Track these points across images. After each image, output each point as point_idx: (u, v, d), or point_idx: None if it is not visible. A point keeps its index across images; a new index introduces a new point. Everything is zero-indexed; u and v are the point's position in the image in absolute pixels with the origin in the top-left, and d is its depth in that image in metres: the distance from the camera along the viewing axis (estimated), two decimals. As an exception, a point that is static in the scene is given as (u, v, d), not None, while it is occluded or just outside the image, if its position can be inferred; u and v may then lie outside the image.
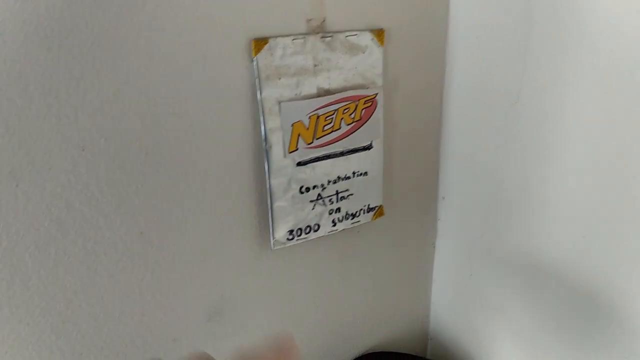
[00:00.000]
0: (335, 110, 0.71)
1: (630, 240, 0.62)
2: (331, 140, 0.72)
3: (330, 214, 0.77)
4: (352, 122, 0.73)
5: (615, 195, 0.63)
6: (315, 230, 0.77)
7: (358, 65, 0.72)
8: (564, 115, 0.66)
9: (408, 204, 0.89)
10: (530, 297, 0.79)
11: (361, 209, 0.80)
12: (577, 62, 0.63)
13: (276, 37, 0.64)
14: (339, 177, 0.76)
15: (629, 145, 0.59)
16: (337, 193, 0.76)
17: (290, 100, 0.67)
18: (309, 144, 0.70)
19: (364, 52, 0.71)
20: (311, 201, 0.74)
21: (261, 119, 0.66)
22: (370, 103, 0.74)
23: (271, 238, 0.73)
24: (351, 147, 0.75)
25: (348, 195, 0.78)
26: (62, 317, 0.63)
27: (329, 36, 0.68)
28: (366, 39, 0.71)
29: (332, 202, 0.76)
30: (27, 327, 0.60)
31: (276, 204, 0.71)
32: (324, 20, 0.67)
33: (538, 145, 0.71)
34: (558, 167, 0.69)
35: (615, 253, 0.64)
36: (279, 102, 0.66)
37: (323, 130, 0.71)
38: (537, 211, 0.74)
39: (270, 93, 0.65)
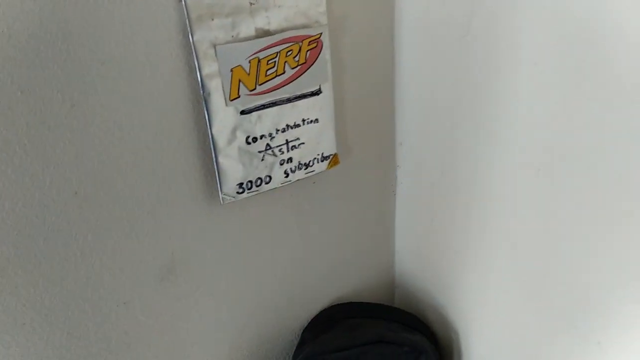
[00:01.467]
0: (278, 52, 0.67)
1: (584, 171, 0.61)
2: (276, 85, 0.68)
3: (281, 164, 0.74)
4: (297, 66, 0.69)
5: (568, 126, 0.61)
6: (267, 182, 0.74)
7: (299, 3, 0.67)
8: (515, 46, 0.63)
9: (365, 151, 0.86)
10: (491, 237, 0.78)
11: (315, 158, 0.77)
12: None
13: (205, -28, 0.59)
14: (287, 126, 0.72)
15: (582, 74, 0.57)
16: (287, 142, 0.73)
17: (227, 42, 0.63)
18: (251, 90, 0.67)
19: (304, -11, 0.67)
20: (259, 152, 0.71)
21: (196, 64, 0.62)
22: (315, 44, 0.70)
23: (219, 192, 0.70)
24: (298, 93, 0.71)
25: (299, 145, 0.75)
26: (0, 290, 0.59)
27: (265, -29, 0.63)
28: (306, -27, 0.66)
29: (283, 152, 0.73)
30: (-42, 298, 0.57)
31: (221, 157, 0.68)
32: (257, -47, 0.62)
33: (490, 79, 0.68)
34: (510, 99, 0.67)
35: (570, 186, 0.63)
36: (214, 45, 0.62)
37: (266, 75, 0.67)
38: (493, 147, 0.72)
39: (203, 35, 0.61)
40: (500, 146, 0.71)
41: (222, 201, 0.71)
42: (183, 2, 0.59)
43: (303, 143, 0.75)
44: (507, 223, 0.74)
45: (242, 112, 0.67)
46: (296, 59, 0.69)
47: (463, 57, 0.71)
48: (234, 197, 0.71)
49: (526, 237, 0.72)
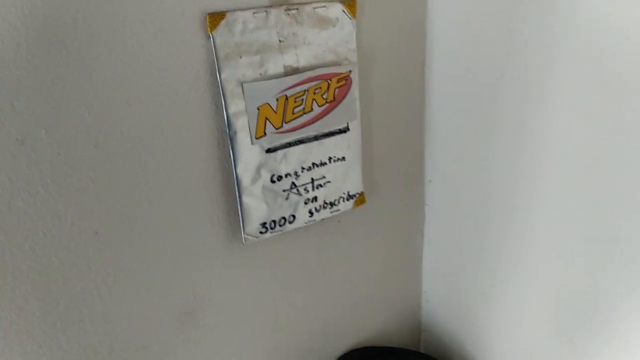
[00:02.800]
0: (306, 90, 0.65)
1: (618, 218, 0.57)
2: (303, 123, 0.67)
3: (306, 203, 0.71)
4: (325, 103, 0.67)
5: (603, 174, 0.58)
6: (291, 222, 0.71)
7: (329, 40, 0.66)
8: (549, 92, 0.61)
9: (392, 189, 0.83)
10: (523, 280, 0.74)
11: (340, 197, 0.75)
12: (564, 32, 0.57)
13: (234, 10, 0.58)
14: (313, 164, 0.70)
15: (615, 119, 0.55)
16: (312, 181, 0.71)
17: (255, 80, 0.61)
18: (278, 128, 0.65)
19: (334, 26, 0.65)
20: (284, 190, 0.69)
21: (223, 102, 0.60)
22: (344, 81, 0.68)
23: (242, 232, 0.67)
24: (326, 131, 0.69)
25: (325, 183, 0.72)
26: (15, 327, 0.57)
27: (295, 8, 0.62)
28: (336, 10, 0.65)
29: (308, 191, 0.71)
30: (-27, 341, 0.55)
31: (245, 195, 0.65)
32: (287, -9, 0.62)
33: (524, 122, 0.65)
34: (545, 144, 0.64)
35: (605, 233, 0.59)
36: (242, 83, 0.61)
37: (293, 113, 0.65)
38: (526, 190, 0.69)
39: (231, 73, 0.60)
40: (535, 189, 0.68)
41: (244, 242, 0.68)
42: (211, 40, 0.58)
43: (329, 182, 0.72)
44: (541, 269, 0.70)
45: (268, 151, 0.65)
46: (324, 96, 0.67)
47: (496, 99, 0.68)
48: (256, 238, 0.69)
49: (562, 284, 0.68)
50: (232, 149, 0.63)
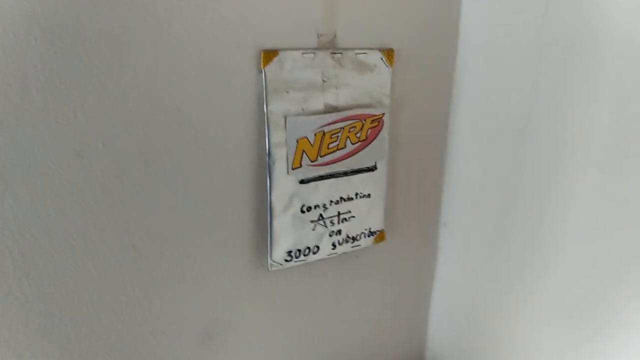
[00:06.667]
0: (342, 128, 0.69)
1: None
2: (336, 158, 0.70)
3: (330, 235, 0.74)
4: (357, 142, 0.71)
5: (629, 230, 0.61)
6: (315, 253, 0.74)
7: (366, 84, 0.70)
8: (575, 141, 0.65)
9: (408, 229, 0.86)
10: (540, 337, 0.76)
11: (362, 233, 0.78)
12: (589, 86, 0.62)
13: (286, 49, 0.63)
14: (341, 198, 0.73)
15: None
16: (338, 214, 0.74)
17: (297, 115, 0.65)
18: (313, 161, 0.68)
19: (372, 71, 0.70)
20: (312, 221, 0.71)
21: (266, 132, 0.64)
22: (377, 123, 0.72)
23: (269, 258, 0.70)
24: (355, 167, 0.73)
25: (350, 218, 0.75)
26: (43, 333, 0.58)
27: (339, 53, 0.67)
28: (376, 57, 0.70)
29: (333, 224, 0.74)
30: (4, 343, 0.56)
31: (276, 222, 0.68)
32: (335, 36, 0.67)
33: (549, 172, 0.69)
34: (567, 196, 0.67)
35: (627, 290, 0.62)
36: (285, 117, 0.64)
37: (328, 148, 0.69)
38: (545, 242, 0.72)
39: (277, 106, 0.64)
40: (555, 240, 0.70)
41: (269, 267, 0.70)
42: (263, 75, 0.62)
43: (353, 216, 0.75)
44: (555, 323, 0.72)
45: (301, 182, 0.69)
46: (358, 135, 0.71)
47: (519, 148, 0.72)
48: (281, 265, 0.71)
49: (578, 336, 0.70)
50: (270, 177, 0.66)
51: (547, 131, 0.68)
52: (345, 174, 0.72)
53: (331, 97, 0.68)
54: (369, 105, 0.71)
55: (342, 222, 0.75)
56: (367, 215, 0.77)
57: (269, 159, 0.65)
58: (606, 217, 0.63)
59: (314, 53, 0.65)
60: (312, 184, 0.70)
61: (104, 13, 0.52)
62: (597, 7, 0.60)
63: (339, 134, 0.69)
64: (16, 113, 0.50)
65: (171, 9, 0.56)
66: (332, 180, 0.71)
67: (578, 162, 0.65)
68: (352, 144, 0.71)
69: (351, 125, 0.70)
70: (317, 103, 0.67)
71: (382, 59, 0.71)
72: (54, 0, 0.49)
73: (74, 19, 0.51)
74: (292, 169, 0.67)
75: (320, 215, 0.72)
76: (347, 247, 0.77)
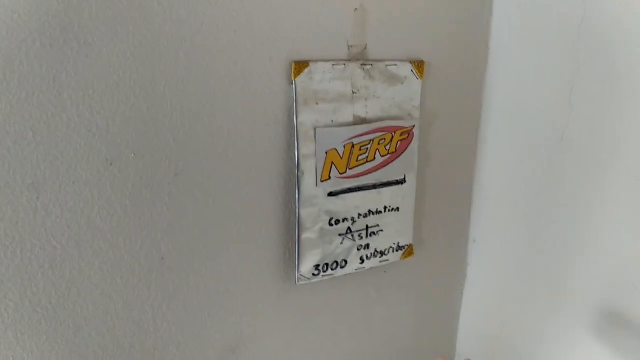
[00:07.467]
0: (371, 140, 0.68)
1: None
2: (365, 171, 0.69)
3: (358, 250, 0.73)
4: (387, 154, 0.70)
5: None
6: (342, 267, 0.72)
7: (396, 96, 0.69)
8: (610, 155, 0.63)
9: (437, 245, 0.84)
10: (569, 351, 0.73)
11: (390, 247, 0.76)
12: (627, 101, 0.60)
13: (317, 61, 0.62)
14: (370, 211, 0.72)
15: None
16: (367, 228, 0.72)
17: (326, 126, 0.65)
18: (342, 173, 0.67)
19: (402, 83, 0.69)
20: (340, 235, 0.70)
21: (296, 144, 0.63)
22: (407, 135, 0.71)
23: (296, 272, 0.68)
24: (385, 180, 0.71)
25: (378, 232, 0.74)
26: (70, 347, 0.57)
27: (369, 64, 0.66)
28: (406, 69, 0.69)
29: (362, 238, 0.72)
30: (31, 356, 0.55)
31: (304, 235, 0.67)
32: (365, 48, 0.66)
33: (583, 188, 0.67)
34: (602, 212, 0.65)
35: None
36: (315, 128, 0.64)
37: (357, 161, 0.68)
38: (578, 259, 0.69)
39: (306, 118, 0.63)
40: (588, 257, 0.68)
41: (297, 281, 0.69)
42: (293, 87, 0.61)
43: (382, 230, 0.74)
44: (590, 341, 0.69)
45: (330, 194, 0.67)
46: (387, 147, 0.70)
47: (552, 163, 0.70)
48: (308, 279, 0.69)
49: (609, 357, 0.67)
50: (299, 189, 0.65)
51: (581, 145, 0.66)
52: (374, 186, 0.71)
53: (361, 109, 0.67)
54: (398, 118, 0.70)
55: (371, 236, 0.73)
56: (396, 229, 0.75)
57: (297, 170, 0.64)
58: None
59: (344, 64, 0.64)
60: (340, 196, 0.68)
61: (138, 24, 0.52)
62: (633, 15, 0.59)
63: (369, 146, 0.68)
64: (49, 122, 0.50)
65: (205, 21, 0.56)
66: (361, 193, 0.70)
67: (614, 177, 0.63)
68: (382, 156, 0.70)
69: (381, 138, 0.69)
70: (347, 115, 0.66)
71: (412, 70, 0.70)
72: (89, 11, 0.50)
73: (108, 31, 0.51)
74: (321, 181, 0.66)
75: (349, 228, 0.71)
76: (375, 262, 0.75)
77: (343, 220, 0.70)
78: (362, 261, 0.74)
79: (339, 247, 0.70)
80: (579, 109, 0.66)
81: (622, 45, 0.60)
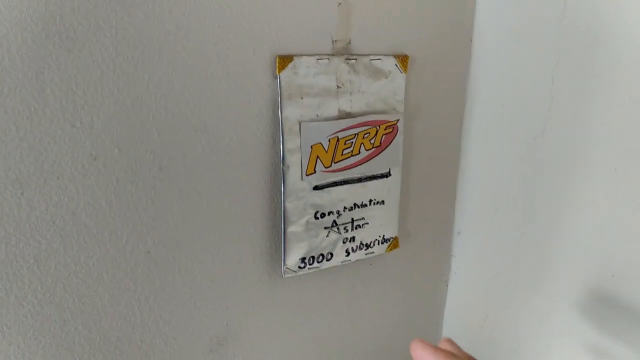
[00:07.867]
0: (356, 134, 0.69)
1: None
2: (350, 165, 0.70)
3: (344, 242, 0.73)
4: (371, 148, 0.71)
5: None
6: (328, 260, 0.73)
7: (380, 90, 0.70)
8: (590, 149, 0.64)
9: (422, 237, 0.85)
10: (553, 343, 0.75)
11: (376, 240, 0.77)
12: (606, 95, 0.61)
13: (301, 55, 0.63)
14: (355, 205, 0.73)
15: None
16: (352, 221, 0.73)
17: (311, 121, 0.65)
18: (327, 167, 0.68)
19: (386, 77, 0.70)
20: (326, 228, 0.71)
21: (281, 138, 0.64)
22: (391, 129, 0.72)
23: (282, 265, 0.69)
24: (369, 174, 0.72)
25: (363, 224, 0.75)
26: (56, 340, 0.58)
27: (354, 59, 0.67)
28: (390, 64, 0.70)
29: (347, 231, 0.73)
30: (18, 350, 0.55)
31: (290, 229, 0.68)
32: (349, 42, 0.66)
33: (563, 179, 0.68)
34: (584, 205, 0.66)
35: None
36: (300, 122, 0.64)
37: (342, 154, 0.69)
38: (561, 251, 0.71)
39: (291, 112, 0.63)
40: (571, 249, 0.70)
41: (283, 274, 0.70)
42: (278, 81, 0.62)
43: (367, 223, 0.75)
44: (574, 334, 0.71)
45: (315, 188, 0.68)
46: (372, 141, 0.70)
47: (535, 156, 0.72)
48: (294, 272, 0.70)
49: (593, 349, 0.69)
50: (284, 183, 0.65)
51: (563, 138, 0.67)
52: (360, 180, 0.72)
53: (345, 104, 0.67)
54: (383, 112, 0.71)
55: (356, 228, 0.74)
56: (381, 222, 0.76)
57: (283, 164, 0.65)
58: (624, 225, 0.62)
59: (328, 59, 0.65)
60: (326, 190, 0.69)
61: (121, 19, 0.52)
62: (615, 12, 0.60)
63: (353, 140, 0.69)
64: (32, 117, 0.50)
65: (188, 15, 0.56)
66: (347, 186, 0.71)
67: (594, 170, 0.64)
68: (366, 150, 0.71)
69: (365, 132, 0.69)
70: (331, 109, 0.66)
71: (396, 65, 0.70)
72: (71, 5, 0.50)
73: (91, 25, 0.51)
74: (306, 175, 0.67)
75: (334, 221, 0.71)
76: (360, 254, 0.76)
77: (328, 214, 0.70)
78: (348, 254, 0.75)
79: (324, 240, 0.71)
80: (560, 103, 0.67)
81: (602, 38, 0.61)
